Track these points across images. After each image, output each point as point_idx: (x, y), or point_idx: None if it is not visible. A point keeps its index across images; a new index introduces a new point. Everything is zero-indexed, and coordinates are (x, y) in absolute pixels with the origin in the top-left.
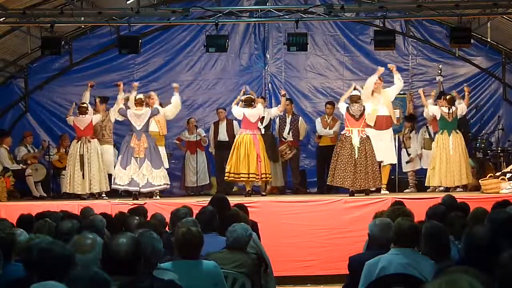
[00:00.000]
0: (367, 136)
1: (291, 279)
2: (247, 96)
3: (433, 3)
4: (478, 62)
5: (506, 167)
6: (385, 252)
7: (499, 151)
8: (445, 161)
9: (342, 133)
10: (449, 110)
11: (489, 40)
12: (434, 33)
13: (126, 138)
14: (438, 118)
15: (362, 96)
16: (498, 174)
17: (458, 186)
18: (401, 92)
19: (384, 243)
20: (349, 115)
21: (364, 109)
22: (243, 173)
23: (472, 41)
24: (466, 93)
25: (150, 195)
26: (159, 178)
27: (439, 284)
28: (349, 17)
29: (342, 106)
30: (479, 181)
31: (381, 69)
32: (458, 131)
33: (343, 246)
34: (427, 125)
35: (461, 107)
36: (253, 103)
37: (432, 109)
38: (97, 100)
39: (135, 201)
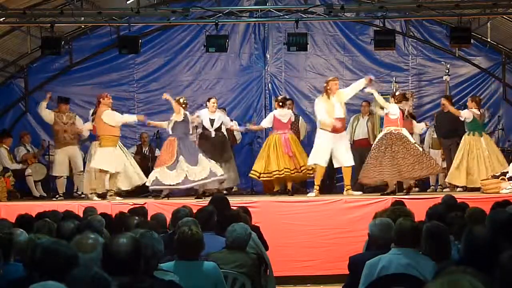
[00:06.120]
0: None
1: (291, 279)
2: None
3: (433, 3)
4: (478, 62)
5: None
6: (385, 252)
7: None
8: (477, 161)
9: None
10: (479, 111)
11: (489, 40)
12: (434, 33)
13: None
14: (469, 120)
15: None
16: (498, 174)
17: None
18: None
19: (384, 243)
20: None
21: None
22: (275, 170)
23: (472, 41)
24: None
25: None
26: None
27: (440, 284)
28: (349, 17)
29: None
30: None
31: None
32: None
33: (343, 246)
34: (434, 124)
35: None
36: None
37: (465, 114)
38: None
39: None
